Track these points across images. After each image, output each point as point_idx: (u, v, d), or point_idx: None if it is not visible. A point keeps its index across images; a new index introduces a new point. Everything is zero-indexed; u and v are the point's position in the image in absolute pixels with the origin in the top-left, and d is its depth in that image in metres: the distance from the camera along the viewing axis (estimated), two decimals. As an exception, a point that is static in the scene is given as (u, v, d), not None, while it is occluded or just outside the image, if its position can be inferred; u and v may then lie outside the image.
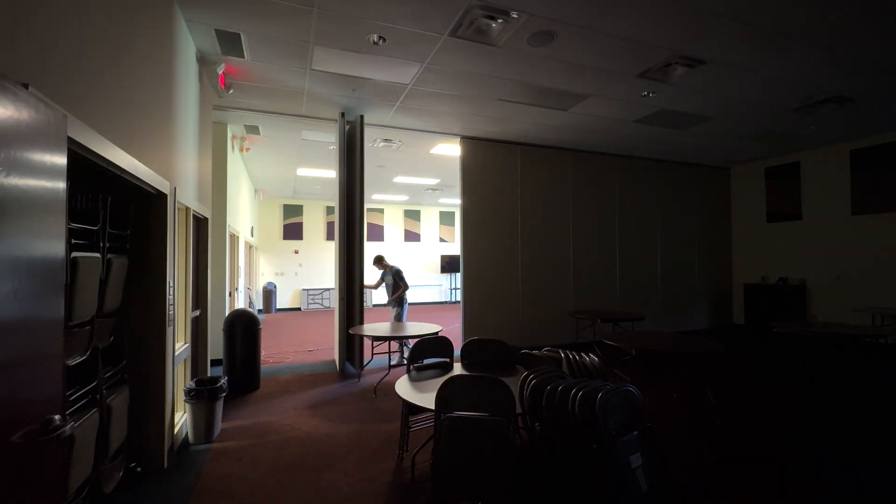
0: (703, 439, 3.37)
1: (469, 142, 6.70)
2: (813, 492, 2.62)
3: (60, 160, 1.41)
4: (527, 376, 2.35)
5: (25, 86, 1.36)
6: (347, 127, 5.65)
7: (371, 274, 6.27)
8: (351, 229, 5.61)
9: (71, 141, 1.64)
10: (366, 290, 6.23)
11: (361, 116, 5.52)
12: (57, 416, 1.29)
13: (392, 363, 5.69)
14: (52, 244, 1.37)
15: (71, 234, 1.99)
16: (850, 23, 3.51)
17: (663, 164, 8.15)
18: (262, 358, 5.37)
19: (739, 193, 8.70)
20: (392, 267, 6.46)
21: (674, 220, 8.24)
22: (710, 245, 8.59)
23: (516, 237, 6.97)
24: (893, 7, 3.30)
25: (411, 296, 14.33)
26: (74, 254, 1.98)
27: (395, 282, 6.35)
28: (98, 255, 2.25)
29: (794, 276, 7.67)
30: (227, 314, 5.04)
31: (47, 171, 1.33)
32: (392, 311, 6.39)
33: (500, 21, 3.47)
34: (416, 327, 5.17)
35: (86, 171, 2.10)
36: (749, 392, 4.55)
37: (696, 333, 7.82)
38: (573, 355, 2.97)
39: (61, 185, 1.42)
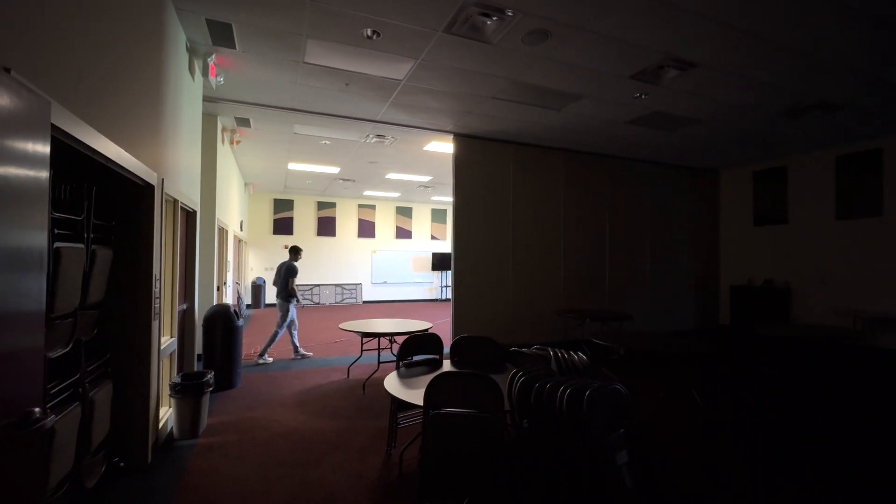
0: (688, 438, 3.42)
1: (462, 139, 6.69)
2: (798, 491, 2.66)
3: (43, 148, 1.38)
4: (515, 374, 2.35)
5: (7, 70, 1.33)
6: None
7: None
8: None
9: (55, 128, 1.60)
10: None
11: None
12: (37, 409, 1.26)
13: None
14: (34, 234, 1.34)
15: (54, 223, 1.95)
16: (836, 31, 3.56)
17: (654, 165, 8.22)
18: (248, 353, 5.32)
19: (728, 196, 8.80)
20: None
21: (663, 221, 8.31)
22: (698, 246, 8.69)
23: (507, 235, 6.99)
24: (878, 16, 3.35)
25: (399, 292, 14.53)
26: (57, 244, 1.94)
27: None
28: (82, 245, 2.21)
29: (780, 278, 7.80)
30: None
31: (29, 159, 1.30)
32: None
33: (494, 19, 3.46)
34: (406, 324, 5.16)
35: (71, 160, 2.06)
36: (734, 392, 4.61)
37: (683, 333, 7.91)
38: (562, 353, 2.99)
39: (44, 173, 1.38)
